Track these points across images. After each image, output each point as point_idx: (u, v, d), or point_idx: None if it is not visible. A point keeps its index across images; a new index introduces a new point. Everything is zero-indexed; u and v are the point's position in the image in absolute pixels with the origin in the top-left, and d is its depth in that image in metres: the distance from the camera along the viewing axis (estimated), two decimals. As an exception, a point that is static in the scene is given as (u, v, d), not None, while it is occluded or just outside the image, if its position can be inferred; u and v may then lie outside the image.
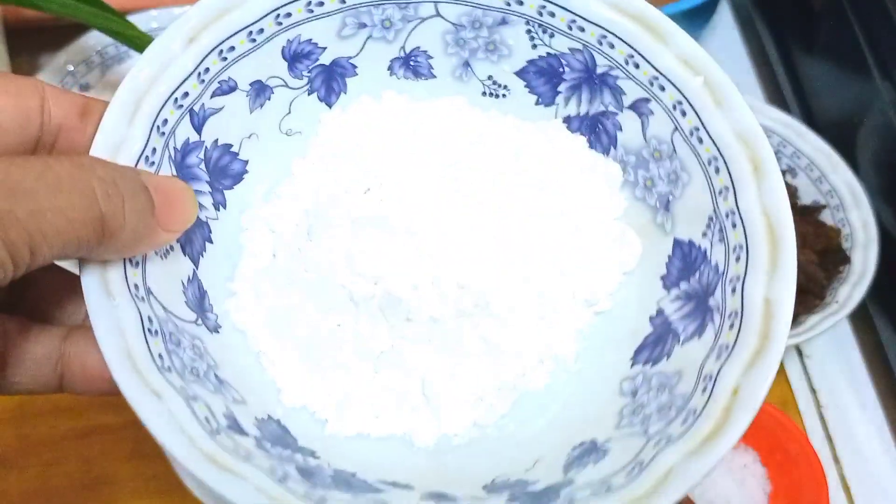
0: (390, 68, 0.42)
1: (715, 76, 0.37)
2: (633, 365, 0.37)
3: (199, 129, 0.37)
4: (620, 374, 0.37)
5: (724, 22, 0.91)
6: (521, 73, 0.41)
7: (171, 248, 0.35)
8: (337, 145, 0.41)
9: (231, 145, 0.38)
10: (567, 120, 0.41)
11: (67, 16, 0.59)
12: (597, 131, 0.41)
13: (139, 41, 0.61)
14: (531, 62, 0.41)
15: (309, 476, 0.32)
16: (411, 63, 0.41)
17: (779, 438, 0.59)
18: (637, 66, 0.39)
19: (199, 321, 0.35)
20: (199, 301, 0.36)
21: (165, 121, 0.35)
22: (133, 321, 0.32)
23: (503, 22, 0.40)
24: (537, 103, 0.42)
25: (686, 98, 0.38)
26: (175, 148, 0.36)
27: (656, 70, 0.38)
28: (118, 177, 0.30)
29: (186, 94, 0.36)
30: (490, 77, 0.42)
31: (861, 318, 0.72)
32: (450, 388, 0.37)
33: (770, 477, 0.60)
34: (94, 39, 0.75)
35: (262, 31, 0.38)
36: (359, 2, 0.39)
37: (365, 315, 0.37)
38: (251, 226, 0.39)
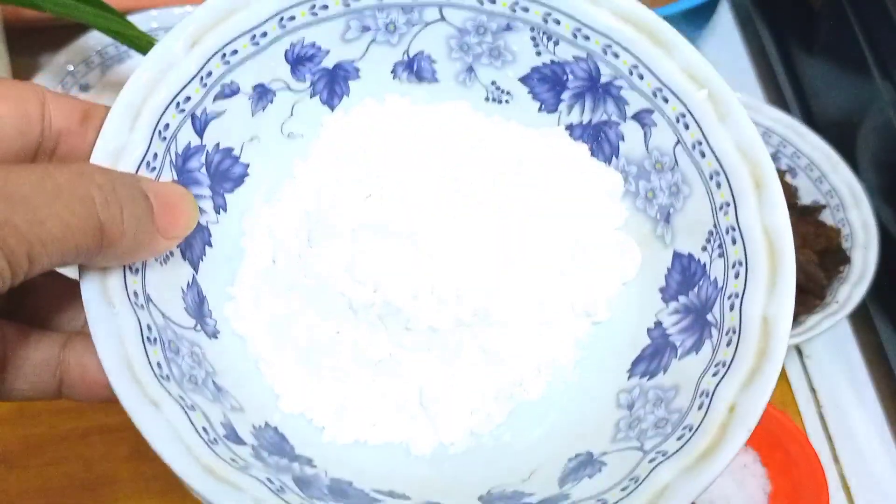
0: (393, 72, 0.41)
1: (719, 89, 0.37)
2: (630, 377, 0.38)
3: (200, 134, 0.37)
4: (618, 386, 0.38)
5: (724, 22, 0.90)
6: (524, 80, 0.41)
7: (171, 253, 0.35)
8: (339, 148, 0.41)
9: (232, 149, 0.38)
10: (570, 128, 0.41)
11: (67, 16, 0.58)
12: (599, 140, 0.41)
13: (139, 41, 0.61)
14: (535, 69, 0.41)
15: (305, 486, 0.32)
16: (415, 67, 0.41)
17: (779, 438, 0.59)
18: (641, 76, 0.38)
19: (198, 327, 0.35)
20: (199, 306, 0.36)
21: (167, 125, 0.35)
22: (132, 329, 0.32)
23: (508, 28, 0.40)
24: (540, 110, 0.41)
25: (689, 111, 0.38)
26: (176, 153, 0.35)
27: (660, 81, 0.38)
28: (117, 184, 0.30)
29: (188, 98, 0.36)
30: (493, 82, 0.42)
31: (861, 318, 0.72)
32: (447, 397, 0.37)
33: (770, 477, 0.61)
34: (94, 39, 0.75)
35: (265, 34, 0.37)
36: (363, 6, 0.39)
37: (364, 323, 0.37)
38: (251, 230, 0.39)
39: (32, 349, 0.33)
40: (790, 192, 0.72)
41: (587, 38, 0.39)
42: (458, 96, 0.42)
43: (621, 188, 0.40)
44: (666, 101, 0.38)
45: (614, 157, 0.40)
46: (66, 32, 0.74)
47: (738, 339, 0.34)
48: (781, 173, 0.73)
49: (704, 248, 0.37)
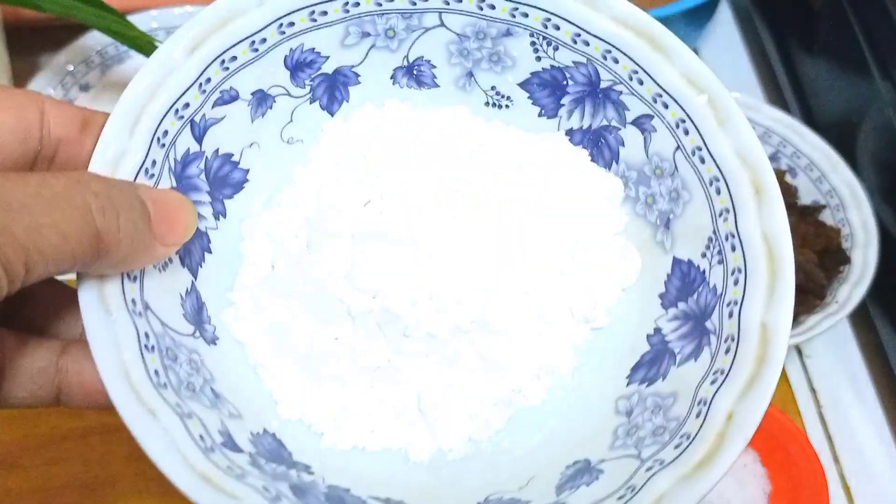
0: (393, 77, 0.41)
1: (719, 95, 0.37)
2: (629, 384, 0.37)
3: (199, 140, 0.37)
4: (616, 392, 0.38)
5: (724, 22, 0.90)
6: (524, 85, 0.41)
7: (170, 260, 0.35)
8: (338, 154, 0.41)
9: (232, 154, 0.38)
10: (570, 133, 0.41)
11: (67, 16, 0.59)
12: (599, 145, 0.41)
13: (139, 41, 0.61)
14: (535, 74, 0.41)
15: (302, 495, 0.33)
16: (414, 72, 0.41)
17: (779, 438, 0.59)
18: (641, 82, 0.38)
19: (197, 333, 0.36)
20: (197, 313, 0.36)
21: (166, 132, 0.35)
22: (130, 337, 0.32)
23: (508, 33, 0.40)
24: (540, 115, 0.41)
25: (689, 116, 0.37)
26: (175, 159, 0.35)
27: (660, 87, 0.38)
28: (114, 191, 0.30)
29: (187, 104, 0.36)
30: (493, 88, 0.41)
31: (861, 318, 0.72)
32: (445, 403, 0.37)
33: (770, 477, 0.60)
34: (94, 39, 0.75)
35: (264, 40, 0.37)
36: (362, 11, 0.39)
37: (362, 329, 0.37)
38: (251, 235, 0.39)
39: (30, 357, 0.33)
40: (790, 192, 0.72)
41: (587, 43, 0.39)
42: (457, 101, 0.42)
43: (621, 193, 0.40)
44: (666, 106, 0.38)
45: (614, 163, 0.40)
46: (66, 32, 0.74)
47: (737, 346, 0.34)
48: (781, 173, 0.73)
49: (704, 255, 0.37)
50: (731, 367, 0.34)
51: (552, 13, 0.39)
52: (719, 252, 0.36)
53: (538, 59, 0.40)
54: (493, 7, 0.39)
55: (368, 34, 0.40)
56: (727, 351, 0.35)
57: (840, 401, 0.69)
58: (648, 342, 0.38)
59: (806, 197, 0.72)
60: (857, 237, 0.68)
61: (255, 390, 0.37)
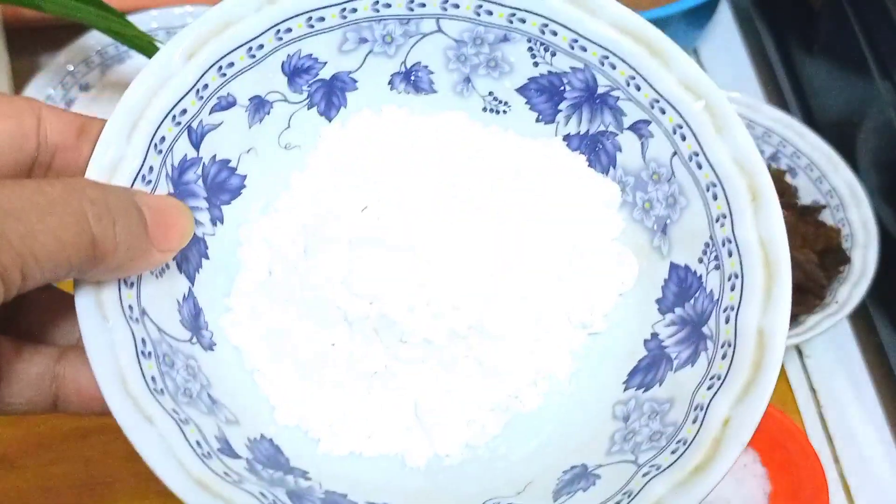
0: (391, 83, 0.41)
1: (716, 101, 0.37)
2: (626, 389, 0.38)
3: (196, 146, 0.37)
4: (613, 398, 0.38)
5: (724, 22, 0.90)
6: (522, 90, 0.41)
7: (167, 266, 0.35)
8: (336, 159, 0.41)
9: (229, 160, 0.38)
10: (567, 138, 0.41)
11: (67, 16, 0.59)
12: (596, 151, 0.41)
13: (139, 41, 0.61)
14: (532, 79, 0.41)
15: (299, 500, 0.33)
16: (412, 78, 0.41)
17: (779, 438, 0.59)
18: (638, 87, 0.38)
19: (194, 339, 0.36)
20: (194, 319, 0.36)
21: (163, 138, 0.35)
22: (127, 344, 0.32)
23: (505, 39, 0.40)
24: (538, 120, 0.41)
25: (686, 122, 0.37)
26: (172, 165, 0.35)
27: (657, 93, 0.38)
28: (110, 198, 0.30)
29: (185, 110, 0.36)
30: (491, 93, 0.42)
31: (861, 318, 0.72)
32: (442, 409, 0.37)
33: (770, 477, 0.60)
34: (94, 39, 0.76)
35: (261, 46, 0.38)
36: (360, 17, 0.39)
37: (359, 335, 0.37)
38: (248, 240, 0.39)
39: (27, 363, 0.33)
40: (790, 192, 0.72)
41: (584, 49, 0.39)
42: (455, 107, 0.42)
43: (618, 199, 0.40)
44: (663, 112, 0.38)
45: (611, 168, 0.40)
46: (66, 32, 0.75)
47: (734, 352, 0.34)
48: (781, 173, 0.73)
49: (701, 260, 0.37)
50: (727, 372, 0.34)
51: (550, 19, 0.39)
52: (716, 257, 0.36)
53: (536, 64, 0.40)
54: (490, 13, 0.39)
55: (366, 40, 0.40)
56: (724, 356, 0.35)
57: (840, 401, 0.69)
58: (645, 347, 0.38)
59: (806, 197, 0.72)
60: (857, 237, 0.68)
61: (252, 396, 0.37)
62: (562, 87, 0.40)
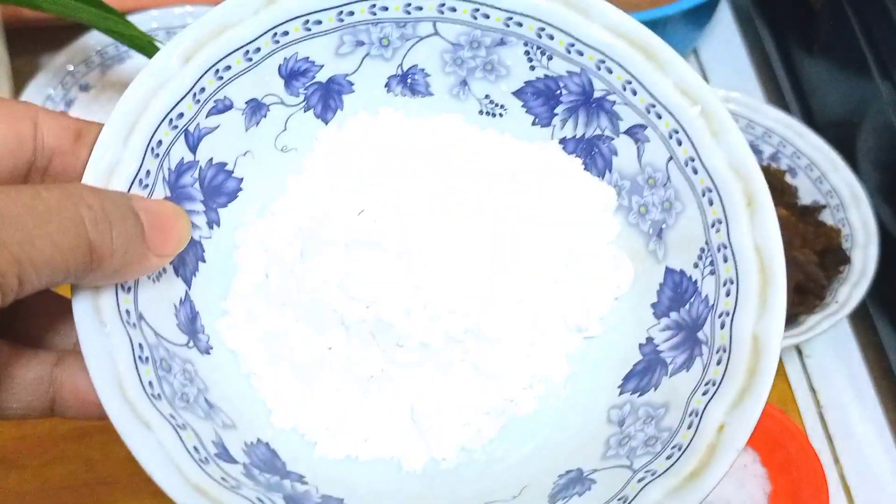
0: (387, 85, 0.41)
1: (712, 106, 0.37)
2: (621, 393, 0.38)
3: (193, 149, 0.37)
4: (609, 402, 0.38)
5: (724, 22, 0.90)
6: (518, 94, 0.41)
7: (164, 270, 0.35)
8: (333, 162, 0.41)
9: (226, 163, 0.38)
10: (563, 142, 0.41)
11: (67, 16, 0.59)
12: (592, 154, 0.41)
13: (139, 41, 0.61)
14: (529, 83, 0.41)
15: None
16: (409, 80, 0.41)
17: (779, 438, 0.59)
18: (634, 92, 0.38)
19: (191, 343, 0.36)
20: (191, 322, 0.36)
21: (160, 142, 0.35)
22: (124, 349, 0.32)
23: (502, 42, 0.40)
24: (534, 124, 0.41)
25: (682, 127, 0.38)
26: (169, 168, 0.35)
27: (653, 97, 0.38)
28: (107, 203, 0.30)
29: (181, 114, 0.36)
30: (487, 96, 0.42)
31: (861, 318, 0.72)
32: (438, 413, 0.37)
33: (770, 477, 0.60)
34: (94, 39, 0.75)
35: (258, 49, 0.38)
36: (357, 20, 0.39)
37: (356, 338, 0.37)
38: (245, 243, 0.39)
39: (24, 368, 0.33)
40: (790, 192, 0.72)
41: (581, 53, 0.39)
42: (451, 110, 0.42)
43: (614, 203, 0.40)
44: (659, 116, 0.38)
45: (607, 172, 0.40)
46: (66, 32, 0.74)
47: (728, 358, 0.35)
48: (781, 173, 0.73)
49: (696, 265, 0.37)
50: (722, 378, 0.34)
51: (546, 23, 0.39)
52: (711, 263, 0.37)
53: (532, 68, 0.40)
54: (487, 16, 0.39)
55: (363, 43, 0.40)
56: (719, 362, 0.35)
57: (840, 401, 0.69)
58: (641, 352, 0.38)
59: (806, 197, 0.72)
60: (857, 237, 0.68)
61: (248, 399, 0.37)
62: (558, 91, 0.40)
